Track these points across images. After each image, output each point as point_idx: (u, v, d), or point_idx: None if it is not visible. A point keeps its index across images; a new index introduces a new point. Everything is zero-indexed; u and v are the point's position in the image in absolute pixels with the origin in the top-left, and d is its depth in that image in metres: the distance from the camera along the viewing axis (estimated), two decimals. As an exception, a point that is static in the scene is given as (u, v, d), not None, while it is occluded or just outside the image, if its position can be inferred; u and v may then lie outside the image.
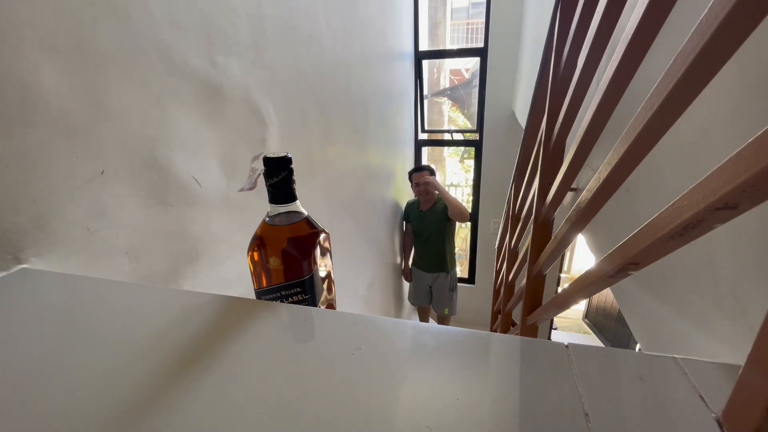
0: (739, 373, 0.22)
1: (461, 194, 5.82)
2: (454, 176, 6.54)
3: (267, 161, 0.39)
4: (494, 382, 0.28)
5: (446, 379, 0.28)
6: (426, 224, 2.70)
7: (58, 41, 0.49)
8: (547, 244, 0.87)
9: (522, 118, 2.18)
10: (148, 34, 0.63)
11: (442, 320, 2.97)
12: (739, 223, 0.29)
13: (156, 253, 0.66)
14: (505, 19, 2.70)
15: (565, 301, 0.70)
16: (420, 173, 2.60)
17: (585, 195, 0.55)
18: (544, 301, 0.97)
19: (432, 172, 2.65)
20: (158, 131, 0.65)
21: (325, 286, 0.46)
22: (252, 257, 0.42)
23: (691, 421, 0.24)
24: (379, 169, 2.17)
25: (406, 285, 3.11)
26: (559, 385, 0.27)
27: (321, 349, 0.32)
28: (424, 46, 3.04)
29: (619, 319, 4.50)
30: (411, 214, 2.82)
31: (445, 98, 4.68)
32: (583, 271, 0.55)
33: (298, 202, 0.42)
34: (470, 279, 3.68)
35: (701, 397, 0.26)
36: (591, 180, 0.53)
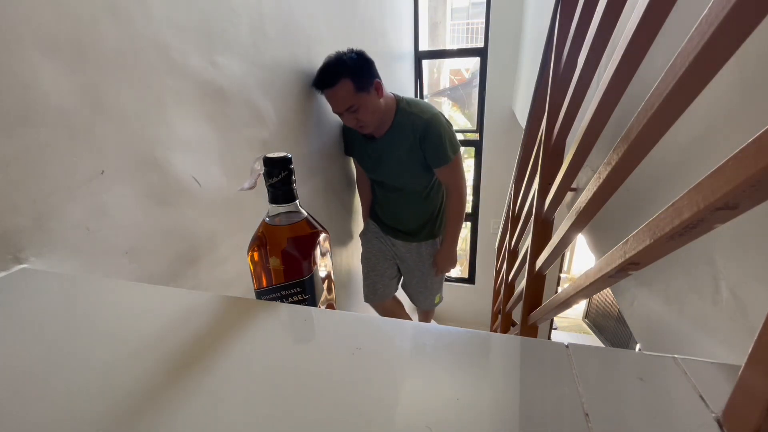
0: (739, 373, 0.22)
1: (461, 194, 5.77)
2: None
3: (267, 161, 0.39)
4: (494, 382, 0.28)
5: (446, 379, 0.28)
6: (386, 162, 1.37)
7: (58, 41, 0.49)
8: (547, 244, 0.87)
9: (522, 118, 2.18)
10: (148, 34, 0.62)
11: (425, 315, 1.89)
12: (739, 223, 0.29)
13: (156, 253, 0.66)
14: (505, 19, 2.70)
15: (565, 301, 0.70)
16: (332, 89, 1.14)
17: (585, 195, 0.55)
18: (544, 301, 0.97)
19: (357, 71, 1.14)
20: (158, 131, 0.65)
21: (325, 286, 0.46)
22: (252, 257, 0.42)
23: (691, 421, 0.24)
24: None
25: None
26: (559, 385, 0.27)
27: (321, 349, 0.32)
28: (424, 46, 3.03)
29: (619, 319, 4.50)
30: (355, 144, 1.44)
31: (445, 98, 4.67)
32: (583, 271, 0.55)
33: (298, 202, 0.42)
34: (470, 279, 3.68)
35: (701, 397, 0.26)
36: (591, 180, 0.53)
